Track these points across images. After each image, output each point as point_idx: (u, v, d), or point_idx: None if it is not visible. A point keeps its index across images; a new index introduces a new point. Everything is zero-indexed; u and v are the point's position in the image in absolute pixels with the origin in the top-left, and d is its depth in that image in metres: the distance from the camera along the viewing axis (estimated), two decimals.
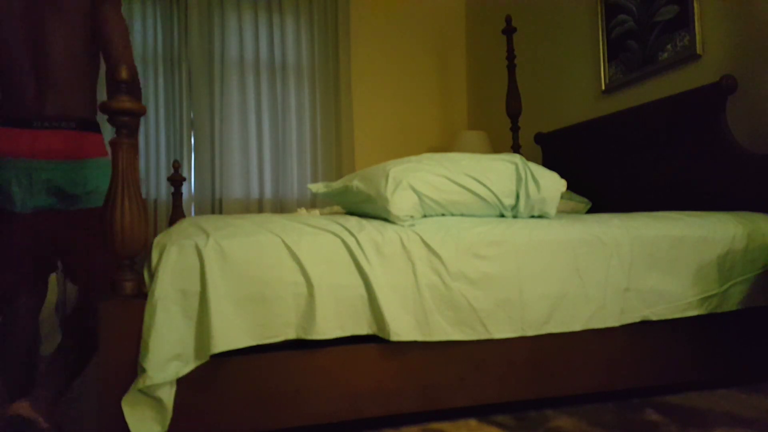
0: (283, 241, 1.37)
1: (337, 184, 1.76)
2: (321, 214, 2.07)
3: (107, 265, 1.55)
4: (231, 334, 1.28)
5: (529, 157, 3.35)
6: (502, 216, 1.67)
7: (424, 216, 1.58)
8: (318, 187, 1.81)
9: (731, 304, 1.67)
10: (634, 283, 1.59)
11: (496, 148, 3.74)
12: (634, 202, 2.47)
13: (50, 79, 1.60)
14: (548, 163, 3.17)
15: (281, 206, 3.68)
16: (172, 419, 1.25)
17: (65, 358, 1.57)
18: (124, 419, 1.21)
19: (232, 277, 1.31)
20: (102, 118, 3.10)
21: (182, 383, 1.27)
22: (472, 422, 1.49)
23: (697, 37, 2.30)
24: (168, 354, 1.23)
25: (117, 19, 1.64)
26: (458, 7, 4.28)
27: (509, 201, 1.64)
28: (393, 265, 1.42)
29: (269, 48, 3.72)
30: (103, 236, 1.28)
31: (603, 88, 2.84)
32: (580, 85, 3.07)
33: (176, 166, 3.00)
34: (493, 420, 1.50)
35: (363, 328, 1.40)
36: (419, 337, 1.41)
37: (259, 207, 3.65)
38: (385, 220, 1.53)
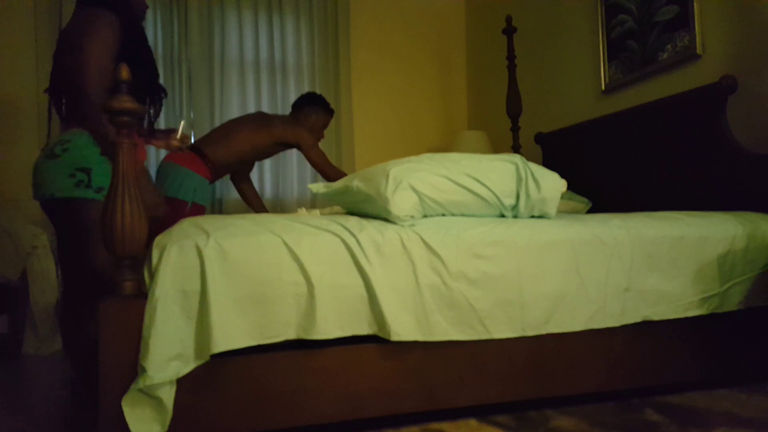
0: (284, 241, 1.37)
1: (337, 184, 1.76)
2: (321, 214, 2.07)
3: None
4: (231, 334, 1.28)
5: (529, 157, 3.34)
6: (503, 216, 1.67)
7: (425, 216, 1.58)
8: (318, 187, 1.81)
9: (731, 304, 1.67)
10: (634, 283, 1.59)
11: (496, 148, 3.74)
12: (634, 202, 2.47)
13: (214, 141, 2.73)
14: (548, 163, 3.17)
15: (281, 206, 3.68)
16: (172, 419, 1.25)
17: None
18: (124, 419, 1.21)
19: (233, 276, 1.31)
20: None
21: (182, 383, 1.27)
22: (472, 422, 1.49)
23: (697, 37, 2.30)
24: (168, 354, 1.23)
25: (314, 153, 2.85)
26: (458, 7, 4.28)
27: (509, 201, 1.64)
28: (393, 265, 1.42)
29: (269, 48, 3.72)
30: (103, 236, 1.28)
31: (603, 88, 2.84)
32: (580, 85, 3.06)
33: None
34: (493, 420, 1.50)
35: (363, 328, 1.40)
36: (419, 337, 1.41)
37: None
38: (386, 220, 1.53)
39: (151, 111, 1.93)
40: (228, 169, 2.77)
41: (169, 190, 2.47)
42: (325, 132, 3.80)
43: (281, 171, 3.71)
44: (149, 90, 1.89)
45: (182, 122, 2.78)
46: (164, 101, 1.98)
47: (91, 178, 1.65)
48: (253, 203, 3.06)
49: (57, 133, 3.22)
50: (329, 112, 2.98)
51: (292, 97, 3.77)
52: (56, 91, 1.82)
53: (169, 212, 1.80)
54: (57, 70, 1.78)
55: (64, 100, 1.79)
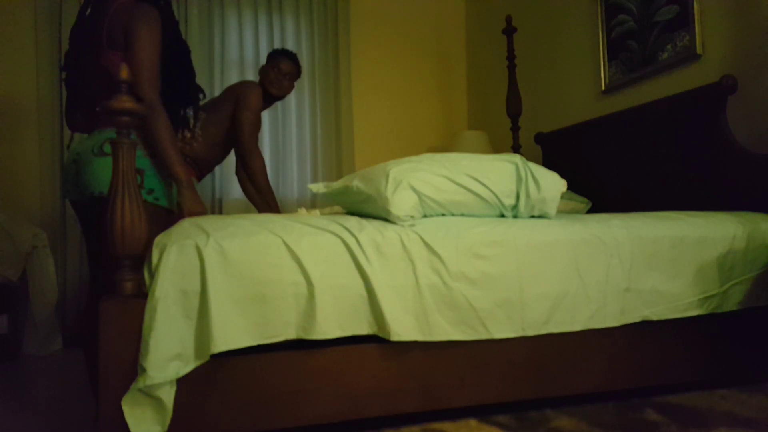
0: (284, 241, 1.37)
1: (337, 184, 1.76)
2: (321, 214, 2.07)
3: None
4: (231, 334, 1.28)
5: (529, 157, 3.34)
6: (503, 216, 1.67)
7: (425, 216, 1.58)
8: (318, 187, 1.81)
9: (731, 304, 1.67)
10: (634, 283, 1.59)
11: (496, 148, 3.74)
12: (634, 202, 2.47)
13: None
14: (548, 163, 3.17)
15: (281, 206, 3.68)
16: (172, 419, 1.25)
17: None
18: (124, 419, 1.21)
19: (233, 277, 1.31)
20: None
21: (182, 383, 1.27)
22: (472, 422, 1.49)
23: (697, 37, 2.30)
24: (168, 354, 1.23)
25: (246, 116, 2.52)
26: (458, 8, 4.28)
27: (509, 201, 1.64)
28: (393, 265, 1.42)
29: (269, 48, 3.71)
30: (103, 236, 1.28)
31: (603, 88, 2.84)
32: (580, 85, 3.07)
33: None
34: (493, 420, 1.50)
35: (363, 328, 1.40)
36: (419, 337, 1.41)
37: None
38: (386, 220, 1.53)
39: (190, 112, 1.92)
40: (211, 161, 2.60)
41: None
42: (326, 132, 3.82)
43: (281, 171, 3.72)
44: (187, 90, 1.87)
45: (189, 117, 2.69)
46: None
47: (144, 179, 1.64)
48: (255, 198, 2.80)
49: (57, 132, 3.25)
50: (274, 59, 2.69)
51: (293, 97, 3.77)
52: (81, 85, 1.78)
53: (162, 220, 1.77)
54: (90, 66, 1.73)
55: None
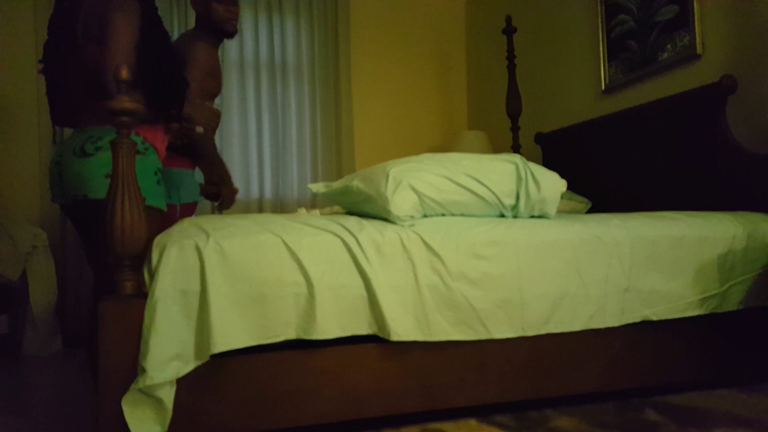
0: (284, 241, 1.37)
1: (337, 184, 1.76)
2: (321, 214, 2.07)
3: None
4: (231, 334, 1.28)
5: (529, 157, 3.34)
6: (503, 216, 1.67)
7: (424, 216, 1.58)
8: (318, 187, 1.81)
9: (731, 304, 1.67)
10: (634, 283, 1.59)
11: (496, 148, 3.74)
12: (634, 202, 2.47)
13: None
14: (548, 163, 3.17)
15: (281, 206, 3.68)
16: (172, 419, 1.25)
17: None
18: (124, 419, 1.21)
19: (233, 277, 1.31)
20: None
21: (182, 383, 1.27)
22: (472, 422, 1.49)
23: (697, 37, 2.30)
24: (168, 354, 1.23)
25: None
26: (458, 8, 4.27)
27: (509, 201, 1.64)
28: (393, 265, 1.42)
29: (269, 48, 3.72)
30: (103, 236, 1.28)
31: (603, 88, 2.84)
32: (580, 85, 3.06)
33: None
34: (493, 420, 1.50)
35: (363, 328, 1.40)
36: (419, 337, 1.41)
37: (259, 207, 3.65)
38: (385, 220, 1.53)
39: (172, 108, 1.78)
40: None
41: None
42: (326, 132, 3.81)
43: (281, 171, 3.72)
44: (170, 80, 1.73)
45: None
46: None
47: None
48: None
49: (49, 128, 3.24)
50: None
51: (292, 97, 3.77)
52: (59, 78, 1.71)
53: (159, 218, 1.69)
54: (67, 58, 1.65)
55: (75, 94, 1.69)
